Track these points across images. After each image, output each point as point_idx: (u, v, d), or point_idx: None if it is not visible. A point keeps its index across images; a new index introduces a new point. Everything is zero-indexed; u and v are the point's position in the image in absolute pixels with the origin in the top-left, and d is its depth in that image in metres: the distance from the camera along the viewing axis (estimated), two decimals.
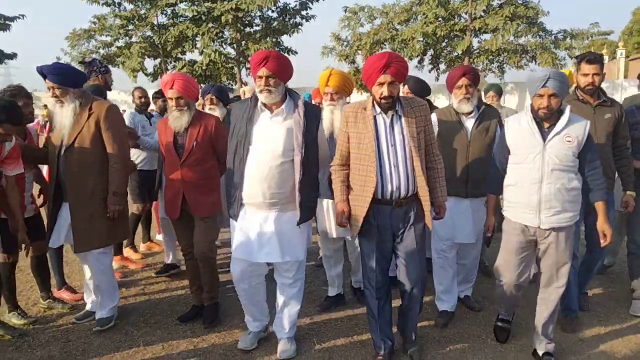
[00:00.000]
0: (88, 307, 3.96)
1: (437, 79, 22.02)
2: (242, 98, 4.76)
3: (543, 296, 3.25)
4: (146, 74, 23.22)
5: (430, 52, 21.41)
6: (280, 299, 3.33)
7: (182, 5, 22.11)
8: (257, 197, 3.01)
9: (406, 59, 20.97)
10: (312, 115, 3.08)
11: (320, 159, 3.21)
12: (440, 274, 3.79)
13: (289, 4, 22.00)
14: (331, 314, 3.97)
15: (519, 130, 3.07)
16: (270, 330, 3.54)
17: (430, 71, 22.25)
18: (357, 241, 3.65)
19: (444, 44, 21.09)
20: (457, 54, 20.54)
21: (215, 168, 3.72)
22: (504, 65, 21.09)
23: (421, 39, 20.49)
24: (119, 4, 22.16)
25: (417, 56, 21.36)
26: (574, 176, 2.98)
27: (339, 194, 3.07)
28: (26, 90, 3.90)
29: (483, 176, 3.50)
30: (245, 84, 23.29)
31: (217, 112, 4.64)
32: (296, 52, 22.81)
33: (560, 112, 2.98)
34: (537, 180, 2.95)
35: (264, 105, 3.04)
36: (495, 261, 3.38)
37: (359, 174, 2.95)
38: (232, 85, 22.62)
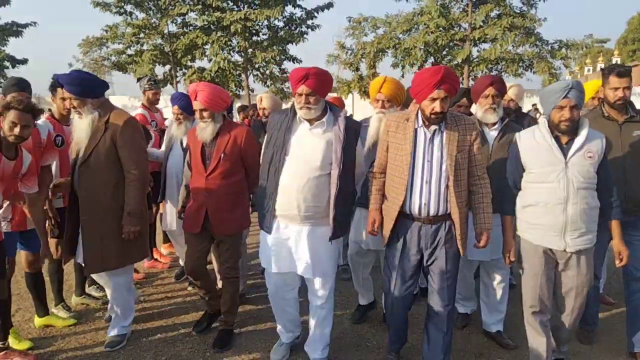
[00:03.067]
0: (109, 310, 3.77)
1: None
2: (259, 105, 4.71)
3: (563, 320, 3.05)
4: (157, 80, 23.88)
5: (431, 60, 22.15)
6: (312, 321, 3.24)
7: (192, 15, 22.85)
8: (292, 209, 2.92)
9: (407, 66, 21.95)
10: (352, 129, 3.00)
11: (356, 175, 3.17)
12: (459, 285, 3.49)
13: (295, 13, 22.74)
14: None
15: (534, 146, 2.85)
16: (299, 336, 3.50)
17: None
18: None
19: (444, 52, 21.86)
20: (457, 62, 21.31)
21: (243, 182, 3.51)
22: (502, 74, 21.87)
23: (422, 47, 21.26)
24: (131, 13, 22.86)
25: (419, 64, 22.14)
26: (595, 194, 2.81)
27: (373, 202, 3.03)
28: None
29: (501, 191, 3.29)
30: (252, 91, 24.04)
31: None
32: (301, 61, 23.60)
33: (577, 126, 2.79)
34: (563, 201, 2.73)
35: None
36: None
37: (392, 185, 2.90)
38: (239, 91, 23.33)
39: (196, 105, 3.34)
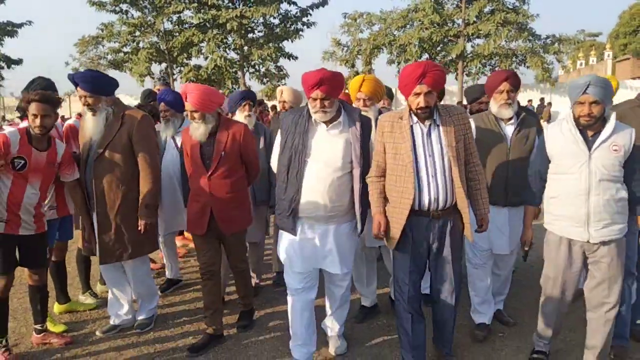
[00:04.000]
0: (112, 321, 3.74)
1: None
2: (279, 98, 4.62)
3: (594, 318, 2.97)
4: (153, 79, 24.08)
5: (426, 56, 22.46)
6: (333, 303, 3.33)
7: (188, 13, 22.99)
8: (318, 210, 2.94)
9: (403, 63, 22.22)
10: (366, 127, 3.04)
11: None
12: (477, 285, 3.61)
13: (290, 11, 22.95)
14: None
15: (560, 139, 2.88)
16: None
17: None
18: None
19: (439, 48, 22.17)
20: (451, 57, 21.60)
21: (244, 179, 3.49)
22: (496, 69, 22.15)
23: (417, 43, 21.53)
24: (127, 11, 22.99)
25: (414, 60, 22.39)
26: (621, 186, 2.79)
27: (376, 205, 2.98)
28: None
29: (523, 185, 3.30)
30: (249, 88, 24.23)
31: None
32: (296, 58, 23.85)
33: (604, 120, 2.80)
34: (585, 192, 2.76)
35: None
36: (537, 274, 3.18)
37: (395, 185, 2.87)
38: (236, 89, 23.46)
39: (187, 106, 3.32)
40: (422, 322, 3.04)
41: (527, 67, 21.21)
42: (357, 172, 2.94)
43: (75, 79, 3.28)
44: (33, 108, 3.05)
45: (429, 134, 2.83)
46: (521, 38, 20.79)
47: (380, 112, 3.61)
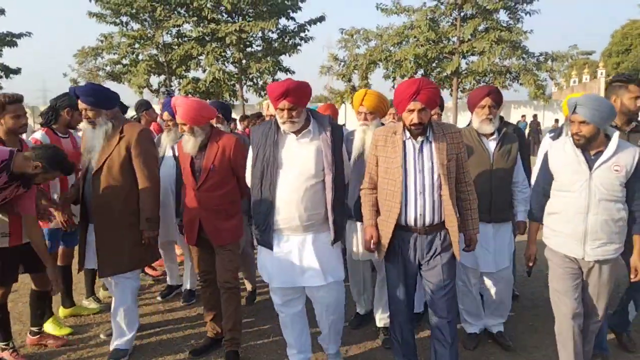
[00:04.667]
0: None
1: None
2: (265, 112, 4.62)
3: (590, 324, 3.07)
4: (151, 91, 24.30)
5: (421, 72, 22.73)
6: (323, 326, 3.21)
7: (187, 27, 23.24)
8: (294, 220, 2.91)
9: (398, 78, 22.52)
10: (337, 133, 3.02)
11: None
12: (464, 300, 3.64)
13: (288, 26, 23.29)
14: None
15: (562, 156, 2.90)
16: None
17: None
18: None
19: (434, 64, 22.45)
20: (446, 74, 21.89)
21: (235, 191, 3.45)
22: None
23: (413, 60, 21.85)
24: (127, 23, 23.27)
25: (409, 75, 22.70)
26: (621, 206, 2.80)
27: (368, 218, 3.01)
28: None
29: (507, 200, 3.38)
30: (247, 101, 24.47)
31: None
32: (294, 72, 24.12)
33: (607, 138, 2.81)
34: (584, 210, 2.78)
35: None
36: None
37: (385, 199, 2.91)
38: (233, 101, 23.71)
39: (177, 119, 3.36)
40: (412, 329, 3.07)
41: (521, 84, 21.53)
42: (329, 179, 2.92)
43: (77, 92, 3.30)
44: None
45: (420, 150, 2.83)
46: (515, 56, 21.13)
47: (382, 126, 3.56)
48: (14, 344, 3.46)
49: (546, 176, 3.02)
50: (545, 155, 3.04)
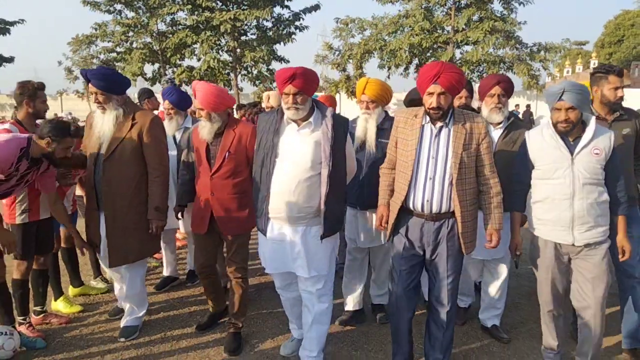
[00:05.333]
0: (119, 304, 3.87)
1: None
2: (265, 103, 4.60)
3: (583, 323, 3.00)
4: (146, 79, 24.30)
5: (416, 61, 22.87)
6: (308, 317, 3.13)
7: (181, 14, 23.18)
8: (285, 211, 2.89)
9: (393, 67, 22.66)
10: (340, 126, 2.95)
11: (347, 171, 3.15)
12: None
13: (283, 14, 23.29)
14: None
15: (542, 144, 2.92)
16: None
17: (415, 79, 23.82)
18: (385, 245, 3.69)
19: (428, 54, 22.56)
20: None
21: (248, 182, 3.37)
22: (484, 75, 22.66)
23: (408, 49, 21.97)
24: (120, 11, 23.21)
25: (404, 65, 22.86)
26: (603, 189, 2.85)
27: (382, 197, 3.04)
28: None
29: (508, 189, 3.26)
30: (241, 90, 24.50)
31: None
32: (288, 61, 24.17)
33: (584, 124, 2.86)
34: (569, 196, 2.80)
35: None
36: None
37: (398, 180, 2.91)
38: (228, 90, 23.61)
39: (195, 103, 3.36)
40: (409, 315, 3.02)
41: (514, 73, 21.72)
42: (324, 173, 2.85)
43: (88, 75, 3.27)
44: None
45: (437, 135, 2.80)
46: (508, 46, 21.31)
47: (386, 114, 3.65)
48: (30, 319, 3.61)
49: (525, 165, 3.01)
50: (523, 145, 3.05)
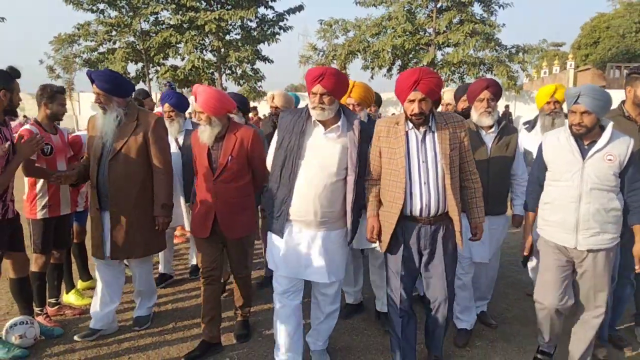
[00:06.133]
0: (92, 324, 3.68)
1: None
2: (270, 103, 4.62)
3: (579, 325, 3.06)
4: (129, 78, 24.22)
5: (399, 62, 23.35)
6: (319, 315, 3.23)
7: (165, 14, 23.23)
8: (308, 214, 2.88)
9: (376, 68, 23.05)
10: (366, 134, 2.95)
11: None
12: (459, 295, 3.47)
13: (267, 15, 23.47)
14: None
15: (557, 147, 2.93)
16: None
17: None
18: (377, 250, 3.67)
19: (411, 55, 23.06)
20: (422, 65, 22.47)
21: (250, 185, 3.41)
22: (464, 76, 23.22)
23: (390, 50, 22.42)
24: (103, 11, 23.07)
25: (387, 66, 23.28)
26: (614, 196, 2.80)
27: (371, 208, 3.00)
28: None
29: (503, 193, 3.40)
30: (225, 89, 24.57)
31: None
32: (272, 61, 24.41)
33: (602, 129, 2.83)
34: (575, 199, 2.80)
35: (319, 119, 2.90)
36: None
37: (389, 190, 2.87)
38: None
39: (195, 106, 3.32)
40: (413, 325, 3.06)
41: (494, 75, 22.28)
42: (351, 179, 2.87)
43: (92, 76, 3.37)
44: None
45: (423, 140, 2.82)
46: (488, 48, 21.89)
47: (369, 118, 3.72)
48: (47, 310, 3.83)
49: (540, 166, 3.04)
50: (540, 146, 3.07)
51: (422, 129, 2.83)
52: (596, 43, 44.50)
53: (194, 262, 4.99)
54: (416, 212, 2.83)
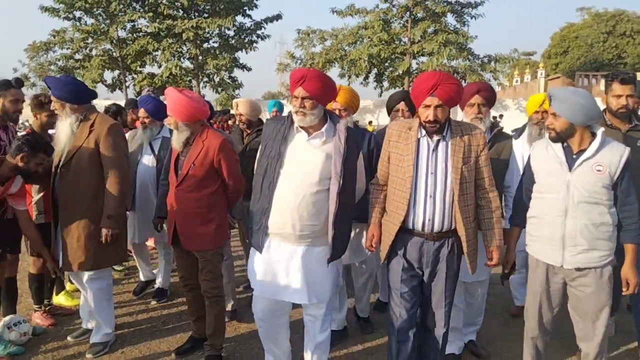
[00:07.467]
0: (83, 324, 3.72)
1: (380, 95, 24.86)
2: (235, 111, 4.50)
3: (583, 353, 2.75)
4: (106, 86, 24.15)
5: (375, 71, 23.82)
6: (309, 342, 2.94)
7: (142, 22, 23.27)
8: (286, 227, 2.63)
9: (353, 76, 23.44)
10: (354, 142, 2.73)
11: (357, 188, 2.91)
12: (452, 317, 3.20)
13: (245, 23, 23.72)
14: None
15: (544, 156, 2.67)
16: None
17: (375, 88, 24.86)
18: (364, 267, 3.59)
19: (387, 64, 23.59)
20: (398, 73, 23.01)
21: (217, 195, 3.19)
22: None
23: (367, 59, 22.86)
24: (80, 18, 23.03)
25: (364, 74, 23.72)
26: (605, 210, 2.52)
27: (373, 215, 2.81)
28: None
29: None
30: (203, 97, 24.58)
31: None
32: (250, 69, 24.65)
33: (594, 136, 2.55)
34: (561, 213, 2.54)
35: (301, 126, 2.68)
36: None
37: (393, 199, 2.68)
38: None
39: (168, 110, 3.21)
40: (406, 353, 2.80)
41: (467, 83, 22.83)
42: (334, 190, 2.61)
43: (48, 83, 3.30)
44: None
45: (435, 150, 2.59)
46: (461, 57, 22.50)
47: (355, 123, 3.56)
48: (45, 308, 3.98)
49: (529, 178, 2.78)
50: (529, 157, 2.84)
51: (435, 138, 2.60)
52: (566, 52, 45.78)
53: (159, 284, 4.62)
54: (418, 226, 2.61)
